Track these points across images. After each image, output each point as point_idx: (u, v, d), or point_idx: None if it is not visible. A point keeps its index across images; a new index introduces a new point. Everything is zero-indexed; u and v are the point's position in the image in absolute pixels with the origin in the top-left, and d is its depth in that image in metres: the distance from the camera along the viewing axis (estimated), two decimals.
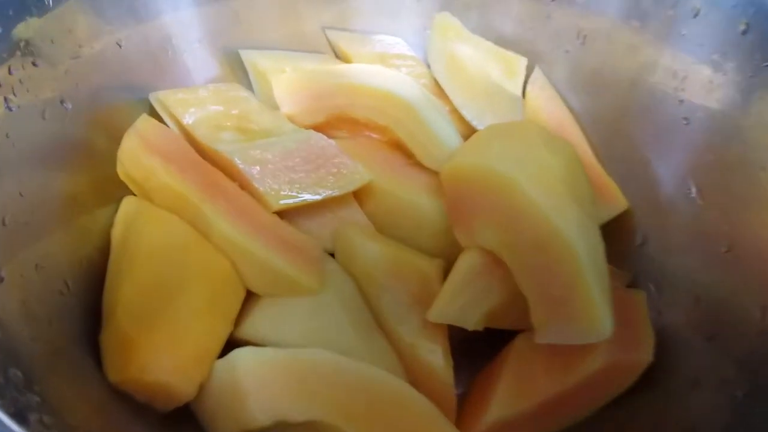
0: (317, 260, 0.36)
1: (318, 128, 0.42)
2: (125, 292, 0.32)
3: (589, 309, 0.29)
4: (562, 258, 0.29)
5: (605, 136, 0.41)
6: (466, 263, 0.33)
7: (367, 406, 0.30)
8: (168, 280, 0.33)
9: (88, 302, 0.33)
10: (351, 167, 0.36)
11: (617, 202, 0.39)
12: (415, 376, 0.34)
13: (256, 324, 0.34)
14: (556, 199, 0.30)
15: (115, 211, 0.37)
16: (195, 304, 0.33)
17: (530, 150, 0.33)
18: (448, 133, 0.38)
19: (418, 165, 0.40)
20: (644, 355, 0.33)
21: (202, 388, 0.31)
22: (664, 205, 0.37)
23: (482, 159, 0.33)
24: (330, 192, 0.36)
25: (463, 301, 0.33)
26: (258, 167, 0.36)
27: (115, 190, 0.38)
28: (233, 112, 0.39)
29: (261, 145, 0.36)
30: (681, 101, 0.36)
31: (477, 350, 0.36)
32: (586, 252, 0.29)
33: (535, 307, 0.31)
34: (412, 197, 0.38)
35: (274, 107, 0.42)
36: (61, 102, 0.34)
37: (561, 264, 0.29)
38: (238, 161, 0.35)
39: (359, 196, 0.39)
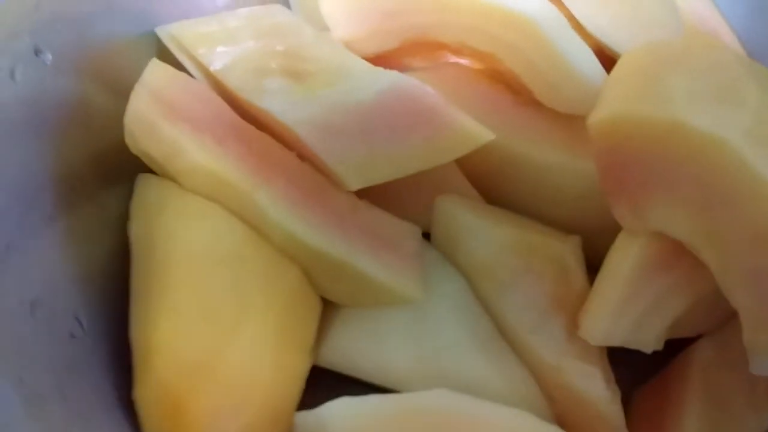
0: (416, 255, 0.27)
1: (386, 58, 0.32)
2: (164, 326, 0.24)
3: None
4: None
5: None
6: (633, 257, 0.25)
7: None
8: (220, 305, 0.25)
9: (109, 343, 0.25)
10: (460, 125, 0.27)
11: None
12: (563, 412, 0.26)
13: (340, 347, 0.27)
14: None
15: (126, 197, 0.28)
16: (263, 334, 0.25)
17: (735, 90, 0.23)
18: (588, 63, 0.28)
19: (534, 104, 0.30)
20: None
21: None
22: None
23: (662, 107, 0.23)
24: (429, 163, 0.27)
25: (636, 314, 0.24)
26: (325, 133, 0.26)
27: (122, 166, 0.29)
28: (278, 48, 0.29)
29: (324, 98, 0.27)
30: None
31: (620, 356, 0.27)
32: None
33: (751, 325, 0.22)
34: (535, 152, 0.29)
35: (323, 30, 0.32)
36: (36, 53, 0.25)
37: None
38: (297, 126, 0.26)
39: None
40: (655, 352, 0.27)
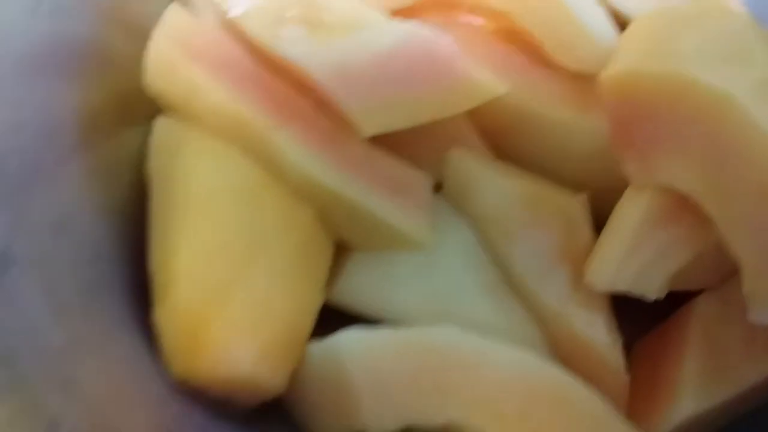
0: (427, 202, 0.28)
1: (401, 15, 0.33)
2: (184, 254, 0.25)
3: None
4: None
5: None
6: (641, 208, 0.26)
7: (520, 403, 0.24)
8: (238, 236, 0.26)
9: (129, 268, 0.27)
10: (474, 76, 0.28)
11: None
12: (565, 357, 0.27)
13: (352, 287, 0.28)
14: None
15: (144, 138, 0.29)
16: (277, 267, 0.26)
17: (744, 51, 0.24)
18: (601, 23, 0.29)
19: (546, 65, 0.31)
20: None
21: (294, 379, 0.25)
22: None
23: (673, 63, 0.25)
24: (443, 112, 0.28)
25: (641, 262, 0.26)
26: (341, 79, 0.27)
27: (140, 107, 0.30)
28: None
29: (342, 45, 0.28)
30: None
31: (622, 310, 0.29)
32: None
33: (751, 275, 0.24)
34: (546, 109, 0.30)
35: None
36: None
37: None
38: (314, 71, 0.27)
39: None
40: (656, 307, 0.28)
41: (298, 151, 0.27)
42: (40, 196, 0.24)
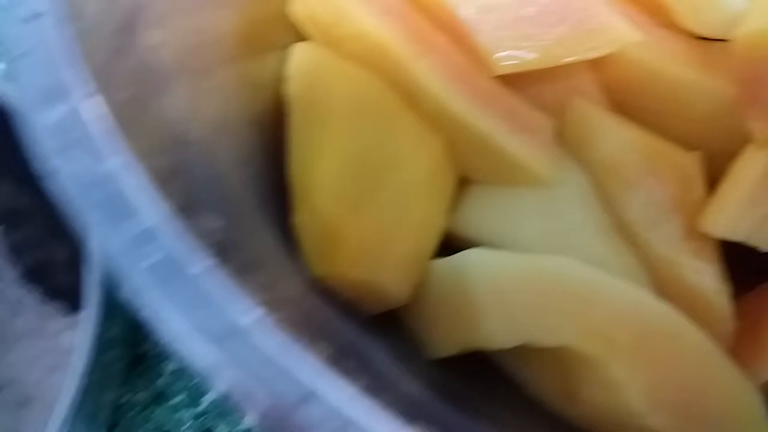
0: (551, 143, 0.30)
1: None
2: (324, 167, 0.27)
3: None
4: None
5: None
6: (763, 163, 0.27)
7: (632, 335, 0.26)
8: (373, 154, 0.28)
9: (269, 175, 0.29)
10: (612, 21, 0.29)
11: None
12: (672, 303, 0.28)
13: (473, 217, 0.29)
14: None
15: (280, 61, 0.31)
16: (409, 187, 0.28)
17: None
18: None
19: (670, 26, 0.32)
20: None
21: (417, 292, 0.27)
22: None
23: None
24: (575, 56, 0.29)
25: (761, 213, 0.27)
26: (482, 15, 0.29)
27: (277, 34, 0.32)
28: None
29: None
30: None
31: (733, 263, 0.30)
32: None
33: None
34: (671, 68, 0.31)
35: None
36: None
37: None
38: (456, 6, 0.29)
39: (592, 61, 0.32)
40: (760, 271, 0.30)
41: (435, 81, 0.29)
42: (208, 96, 0.26)
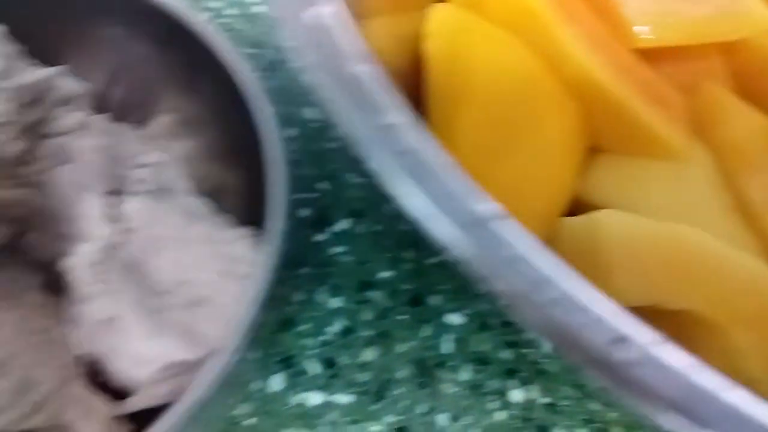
0: (683, 119, 0.31)
1: None
2: (465, 121, 0.29)
3: None
4: None
5: None
6: None
7: (756, 306, 0.27)
8: (512, 113, 0.29)
9: None
10: (752, 6, 0.30)
11: None
12: None
13: (602, 183, 0.30)
14: None
15: (418, 22, 0.33)
16: (544, 146, 0.29)
17: None
18: None
19: None
20: None
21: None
22: None
23: None
24: (716, 36, 0.30)
25: None
26: None
27: None
28: None
29: None
30: None
31: None
32: None
33: None
34: None
35: None
36: None
37: None
38: None
39: (723, 45, 0.33)
40: None
41: (579, 48, 0.30)
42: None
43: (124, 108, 0.31)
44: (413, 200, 0.15)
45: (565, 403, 0.33)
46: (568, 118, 0.30)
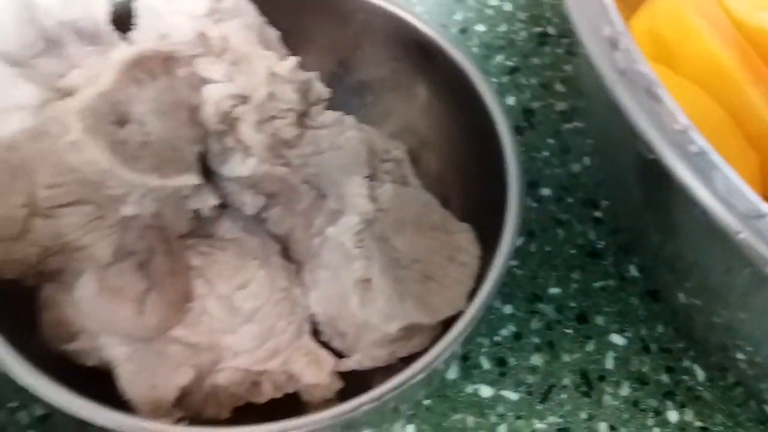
0: None
1: None
2: None
3: None
4: None
5: None
6: None
7: None
8: None
9: None
10: None
11: None
12: None
13: None
14: None
15: None
16: None
17: None
18: None
19: None
20: None
21: None
22: None
23: None
24: None
25: None
26: None
27: None
28: None
29: None
30: None
31: None
32: None
33: None
34: None
35: None
36: None
37: None
38: None
39: None
40: None
41: (765, 107, 0.34)
42: None
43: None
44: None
45: (719, 429, 0.36)
46: (749, 167, 0.34)
